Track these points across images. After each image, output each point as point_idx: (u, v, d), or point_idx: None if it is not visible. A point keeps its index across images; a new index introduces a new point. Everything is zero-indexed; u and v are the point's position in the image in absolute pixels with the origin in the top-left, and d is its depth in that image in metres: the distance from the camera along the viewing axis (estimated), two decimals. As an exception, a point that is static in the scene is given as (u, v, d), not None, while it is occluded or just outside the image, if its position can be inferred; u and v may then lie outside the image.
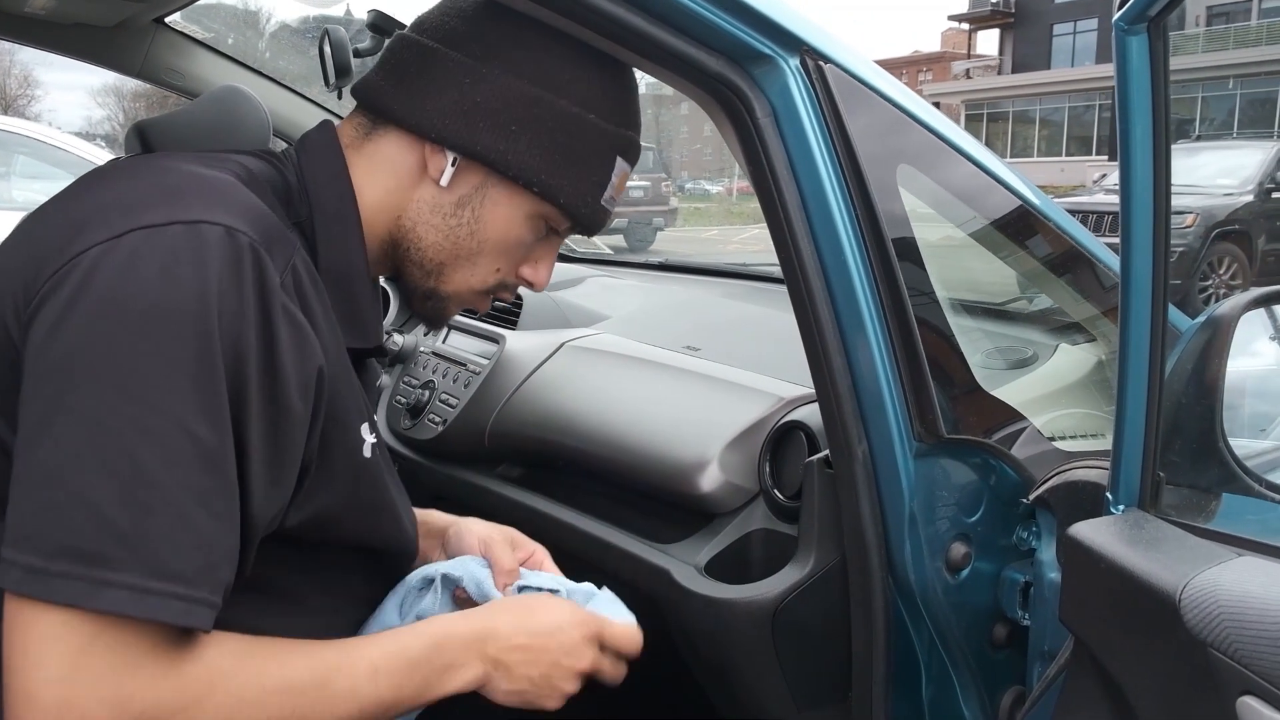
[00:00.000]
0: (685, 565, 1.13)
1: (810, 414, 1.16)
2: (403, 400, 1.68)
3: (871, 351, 0.95)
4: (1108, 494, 0.81)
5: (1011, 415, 1.08)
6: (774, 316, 1.53)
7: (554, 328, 1.65)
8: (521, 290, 0.98)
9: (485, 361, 1.57)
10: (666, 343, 1.51)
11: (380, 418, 1.77)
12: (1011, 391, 1.16)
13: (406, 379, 1.74)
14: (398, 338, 1.81)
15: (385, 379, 1.82)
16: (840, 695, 1.11)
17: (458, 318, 1.77)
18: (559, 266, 2.19)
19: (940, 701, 1.12)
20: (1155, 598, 0.67)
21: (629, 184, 1.07)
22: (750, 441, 1.20)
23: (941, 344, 1.04)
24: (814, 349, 0.97)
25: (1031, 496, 1.01)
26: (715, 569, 1.13)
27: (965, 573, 1.05)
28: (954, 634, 1.07)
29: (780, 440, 1.17)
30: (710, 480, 1.18)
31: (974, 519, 1.05)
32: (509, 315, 1.71)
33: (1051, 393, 1.25)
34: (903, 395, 0.96)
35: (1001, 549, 1.08)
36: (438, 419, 1.57)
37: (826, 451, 1.04)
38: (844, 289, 0.95)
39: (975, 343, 1.24)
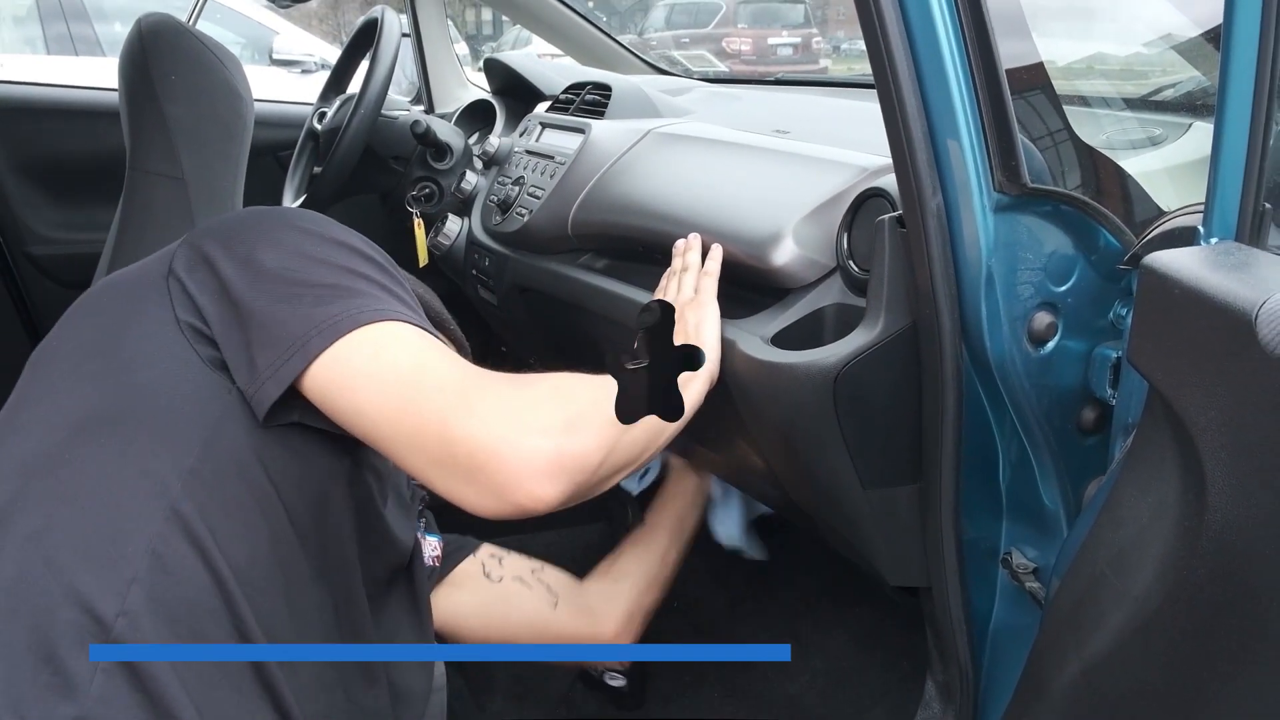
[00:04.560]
0: (752, 337, 1.10)
1: (894, 183, 1.07)
2: (494, 198, 1.67)
3: (950, 88, 0.86)
4: (1199, 228, 0.72)
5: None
6: (871, 107, 1.42)
7: (643, 117, 1.59)
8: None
9: (571, 151, 1.54)
10: (755, 128, 1.43)
11: (475, 217, 1.77)
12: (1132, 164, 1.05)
13: (500, 179, 1.73)
14: (493, 140, 1.79)
15: (481, 180, 1.81)
16: (911, 478, 1.07)
17: (550, 114, 1.73)
18: (665, 79, 2.09)
19: (1019, 487, 1.06)
20: (1230, 318, 0.59)
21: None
22: (830, 214, 1.13)
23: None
24: (885, 86, 0.88)
25: (1129, 254, 0.91)
26: (783, 341, 1.09)
27: (1050, 346, 0.97)
28: (1034, 412, 1.00)
29: (860, 211, 1.09)
30: (783, 254, 1.12)
31: (1063, 288, 0.96)
32: (597, 107, 1.65)
33: (1175, 166, 1.12)
34: (983, 140, 0.87)
35: (1096, 327, 0.99)
36: (524, 211, 1.56)
37: (901, 212, 0.97)
38: (920, 11, 0.85)
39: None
